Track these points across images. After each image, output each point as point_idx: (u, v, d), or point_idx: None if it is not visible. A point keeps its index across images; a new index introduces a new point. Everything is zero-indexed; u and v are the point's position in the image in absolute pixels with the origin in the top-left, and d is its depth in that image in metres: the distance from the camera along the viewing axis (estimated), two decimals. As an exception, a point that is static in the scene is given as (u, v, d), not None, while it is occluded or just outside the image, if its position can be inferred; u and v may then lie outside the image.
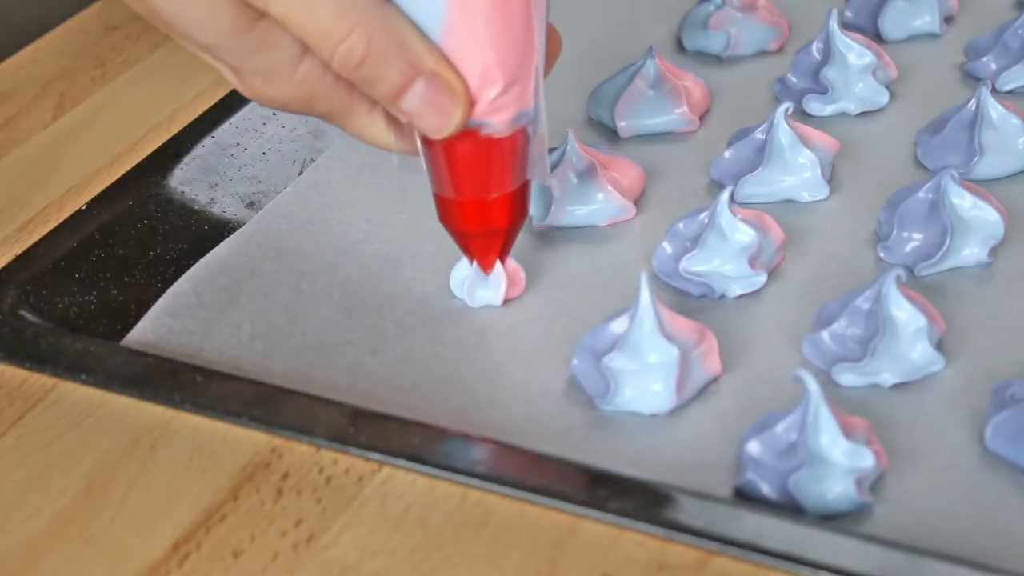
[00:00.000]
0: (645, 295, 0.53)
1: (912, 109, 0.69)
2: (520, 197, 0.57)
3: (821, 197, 0.63)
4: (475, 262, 0.58)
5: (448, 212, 0.57)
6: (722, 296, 0.58)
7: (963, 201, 0.59)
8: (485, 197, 0.56)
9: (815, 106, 0.69)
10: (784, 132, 0.63)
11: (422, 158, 0.56)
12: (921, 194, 0.59)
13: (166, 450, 0.52)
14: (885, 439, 0.51)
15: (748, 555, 0.45)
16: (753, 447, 0.49)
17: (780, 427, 0.49)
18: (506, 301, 0.59)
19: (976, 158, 0.63)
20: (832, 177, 0.64)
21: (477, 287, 0.59)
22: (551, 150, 0.64)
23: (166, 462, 0.51)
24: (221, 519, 0.49)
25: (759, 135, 0.64)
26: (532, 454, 0.50)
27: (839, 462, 0.48)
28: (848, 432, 0.49)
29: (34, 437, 0.53)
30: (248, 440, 0.51)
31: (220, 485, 0.50)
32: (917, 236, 0.59)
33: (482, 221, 0.56)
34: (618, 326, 0.54)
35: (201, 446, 0.52)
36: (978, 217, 0.59)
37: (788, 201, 0.63)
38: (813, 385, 0.49)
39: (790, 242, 0.61)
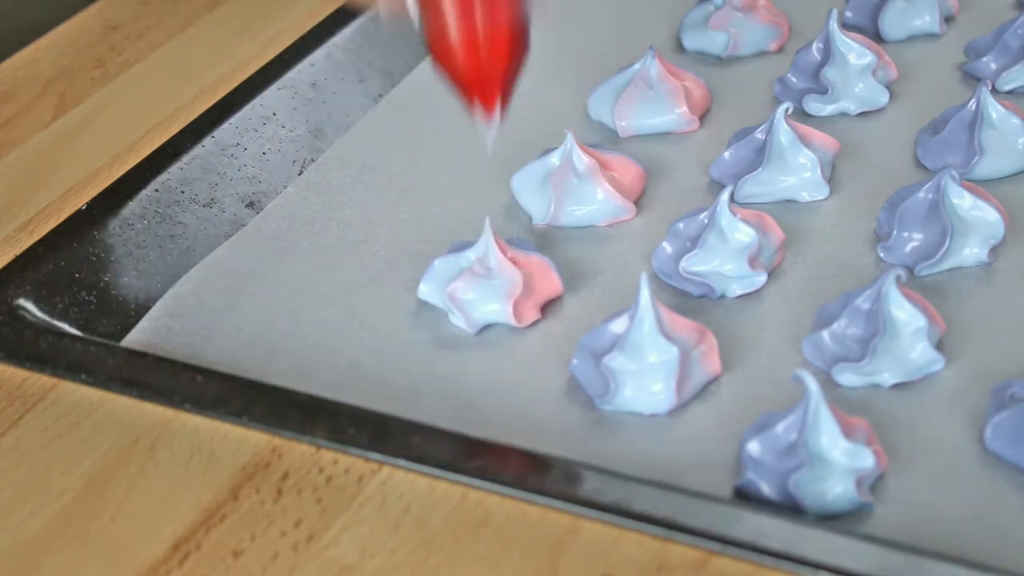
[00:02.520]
0: (645, 295, 0.53)
1: (912, 109, 0.69)
2: (519, 34, 0.55)
3: (821, 197, 0.63)
4: (477, 113, 0.56)
5: (445, 56, 0.55)
6: (722, 296, 0.58)
7: (963, 201, 0.59)
8: (482, 35, 0.54)
9: (815, 106, 0.69)
10: (784, 132, 0.63)
11: (411, 7, 0.54)
12: (921, 194, 0.59)
13: (166, 450, 0.52)
14: (885, 439, 0.51)
15: (748, 555, 0.45)
16: (753, 447, 0.49)
17: (780, 427, 0.49)
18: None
19: (976, 158, 0.63)
20: (832, 177, 0.64)
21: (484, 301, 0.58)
22: (551, 150, 0.64)
23: (166, 462, 0.51)
24: (221, 519, 0.49)
25: (759, 135, 0.64)
26: (532, 454, 0.50)
27: (839, 462, 0.48)
28: (848, 432, 0.49)
29: (34, 437, 0.53)
30: (248, 440, 0.51)
31: (220, 485, 0.50)
32: (917, 236, 0.59)
33: (479, 63, 0.55)
34: (618, 326, 0.54)
35: (201, 446, 0.52)
36: (978, 217, 0.59)
37: (788, 201, 0.63)
38: (813, 385, 0.49)
39: (790, 242, 0.61)
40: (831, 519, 0.48)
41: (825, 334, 0.55)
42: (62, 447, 0.52)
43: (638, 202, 0.64)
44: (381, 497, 0.49)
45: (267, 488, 0.50)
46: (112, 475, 0.51)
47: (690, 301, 0.58)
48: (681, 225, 0.60)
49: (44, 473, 0.51)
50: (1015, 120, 0.63)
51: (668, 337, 0.53)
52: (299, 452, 0.51)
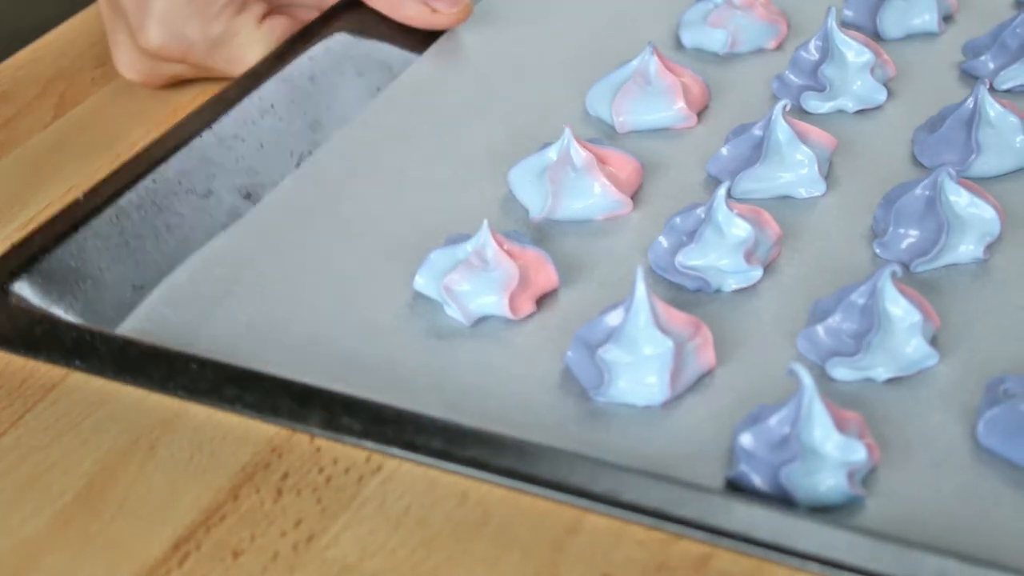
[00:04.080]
0: (640, 288, 0.53)
1: (910, 107, 0.69)
2: None
3: (818, 193, 0.64)
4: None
5: None
6: (718, 290, 0.58)
7: (959, 198, 0.59)
8: None
9: (813, 103, 0.69)
10: (782, 128, 0.63)
11: None
12: (918, 191, 0.59)
13: (166, 450, 0.52)
14: (878, 433, 0.51)
15: (739, 545, 0.45)
16: (746, 439, 0.49)
17: (773, 420, 0.49)
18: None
19: (973, 156, 0.63)
20: (829, 174, 0.65)
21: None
22: (548, 145, 0.64)
23: (166, 462, 0.51)
24: (221, 519, 0.49)
25: (757, 131, 0.64)
26: (525, 443, 0.50)
27: (831, 455, 0.48)
28: (841, 426, 0.49)
29: (34, 437, 0.53)
30: (248, 440, 0.52)
31: (220, 485, 0.50)
32: (913, 232, 0.59)
33: None
34: (613, 318, 0.54)
35: (201, 446, 0.52)
36: (974, 214, 0.59)
37: (785, 197, 0.63)
38: (807, 378, 0.49)
39: (786, 238, 0.61)
40: (823, 511, 0.48)
41: (820, 328, 0.55)
42: (62, 447, 0.52)
43: (635, 197, 0.64)
44: (381, 497, 0.49)
45: (267, 488, 0.50)
46: (112, 475, 0.51)
47: (686, 295, 0.58)
48: (678, 220, 0.60)
49: (44, 473, 0.51)
50: (1012, 119, 0.63)
51: (663, 330, 0.53)
52: (299, 452, 0.51)
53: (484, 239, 0.58)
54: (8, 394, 0.55)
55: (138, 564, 0.48)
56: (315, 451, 0.51)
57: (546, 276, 0.59)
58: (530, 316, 0.58)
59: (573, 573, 0.46)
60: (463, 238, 0.60)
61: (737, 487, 0.49)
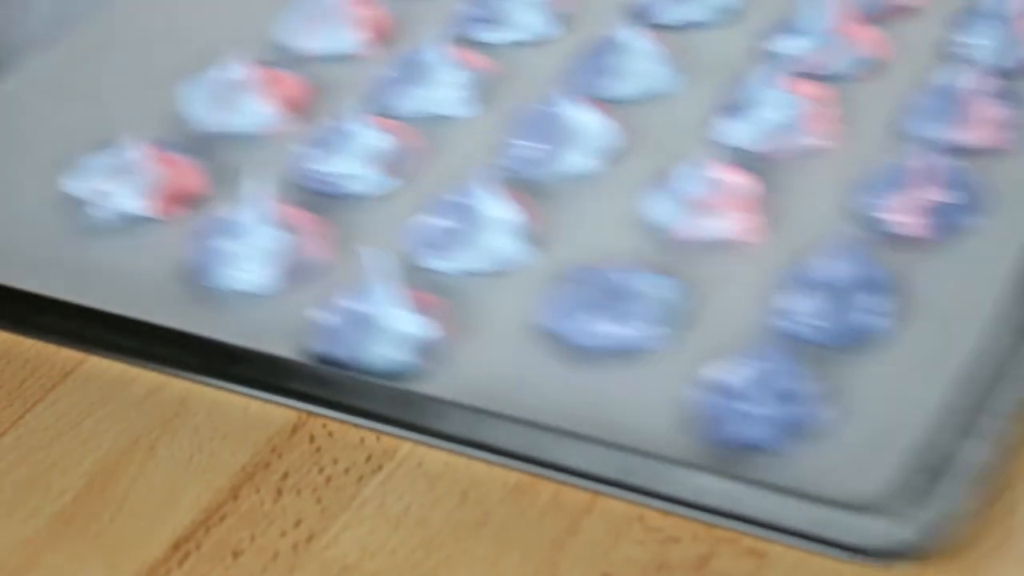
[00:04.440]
0: (253, 184, 0.58)
1: (575, 40, 0.72)
2: None
3: (466, 114, 0.68)
4: None
5: None
6: (350, 196, 0.63)
7: (578, 114, 0.64)
8: None
9: (482, 34, 0.73)
10: (433, 52, 0.67)
11: None
12: (541, 106, 0.64)
13: (166, 450, 0.52)
14: (460, 317, 0.56)
15: (309, 407, 0.52)
16: (323, 315, 0.54)
17: (351, 300, 0.55)
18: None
19: (606, 79, 0.68)
20: (484, 97, 0.69)
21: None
22: (222, 63, 0.67)
23: (166, 462, 0.51)
24: (221, 519, 0.49)
25: (414, 55, 0.69)
26: (124, 319, 0.54)
27: (400, 330, 0.54)
28: (415, 306, 0.54)
29: (34, 437, 0.52)
30: (248, 439, 0.52)
31: (220, 485, 0.50)
32: (532, 144, 0.64)
33: None
34: (227, 212, 0.59)
35: (201, 446, 0.52)
36: (591, 130, 0.64)
37: (436, 116, 0.68)
38: (373, 260, 0.54)
39: (426, 153, 0.65)
40: (392, 380, 0.53)
41: (421, 223, 0.60)
42: (62, 447, 0.52)
43: (301, 115, 0.68)
44: (381, 497, 0.50)
45: (267, 488, 0.50)
46: (112, 475, 0.51)
47: (320, 200, 0.62)
48: (320, 131, 0.64)
49: (44, 473, 0.51)
50: (650, 47, 0.68)
51: (275, 224, 0.58)
52: (299, 452, 0.51)
53: (134, 144, 0.63)
54: (8, 394, 0.54)
55: (138, 564, 0.48)
56: (315, 451, 0.51)
57: (195, 182, 0.63)
58: (176, 218, 0.62)
59: (573, 573, 0.48)
60: (119, 144, 0.64)
61: (323, 361, 0.54)
